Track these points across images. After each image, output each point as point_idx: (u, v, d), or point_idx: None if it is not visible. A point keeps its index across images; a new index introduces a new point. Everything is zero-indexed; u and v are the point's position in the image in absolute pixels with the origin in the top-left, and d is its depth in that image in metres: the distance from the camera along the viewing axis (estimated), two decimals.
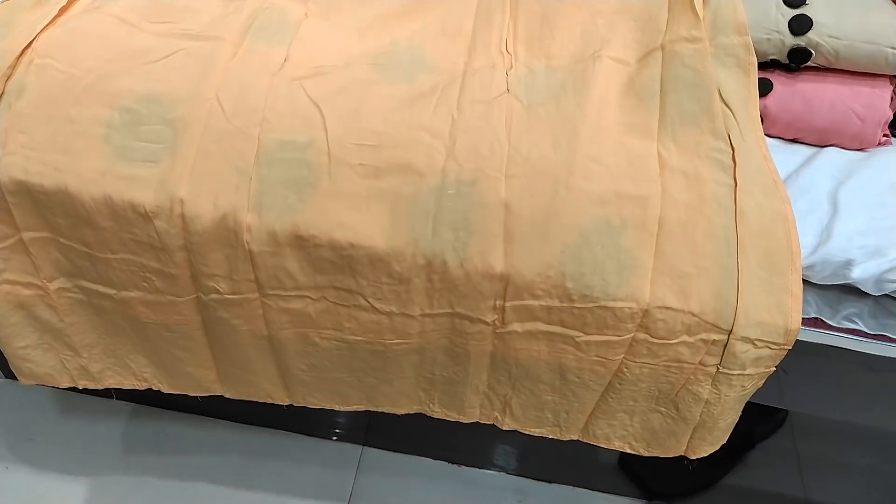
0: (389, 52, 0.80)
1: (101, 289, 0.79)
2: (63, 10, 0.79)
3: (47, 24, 0.76)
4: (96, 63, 0.75)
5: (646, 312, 0.69)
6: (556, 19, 0.83)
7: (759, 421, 1.34)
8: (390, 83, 0.76)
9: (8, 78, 0.73)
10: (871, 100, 0.80)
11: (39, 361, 0.86)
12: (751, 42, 0.77)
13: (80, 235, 0.74)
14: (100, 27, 0.78)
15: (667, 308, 0.69)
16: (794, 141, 0.84)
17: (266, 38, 0.79)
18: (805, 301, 0.75)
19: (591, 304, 0.69)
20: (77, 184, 0.70)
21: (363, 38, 0.82)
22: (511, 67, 0.79)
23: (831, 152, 0.82)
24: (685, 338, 0.70)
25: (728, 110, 0.75)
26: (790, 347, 0.70)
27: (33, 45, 0.75)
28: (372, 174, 0.70)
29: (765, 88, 0.81)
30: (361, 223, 0.69)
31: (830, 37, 0.79)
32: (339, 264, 0.70)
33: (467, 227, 0.68)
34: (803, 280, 0.71)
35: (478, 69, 0.78)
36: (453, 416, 0.87)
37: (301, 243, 0.70)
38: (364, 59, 0.79)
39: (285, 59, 0.78)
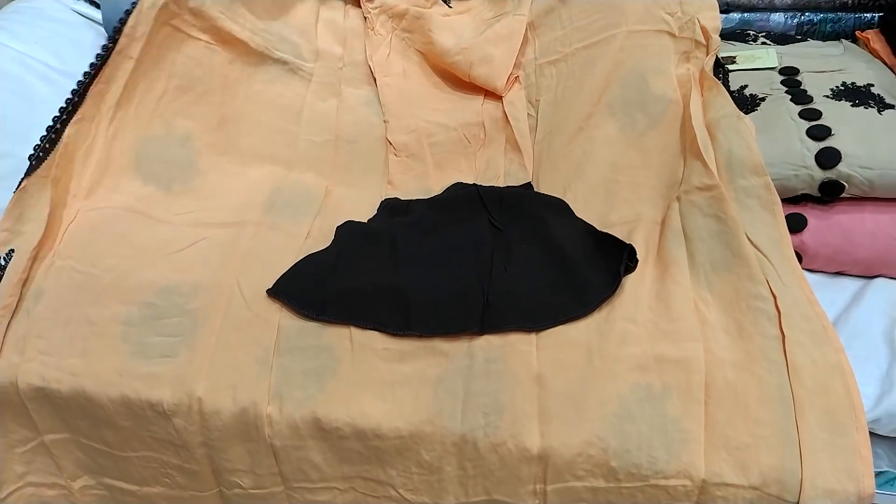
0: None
1: (125, 485, 0.73)
2: (80, 195, 0.77)
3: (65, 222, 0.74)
4: (117, 260, 0.72)
5: (702, 489, 0.60)
6: (575, 182, 0.79)
7: None
8: None
9: (24, 283, 0.70)
10: None
11: None
12: (770, 181, 0.71)
13: (100, 435, 0.69)
14: (121, 222, 0.76)
15: (725, 484, 0.60)
16: (838, 274, 0.76)
17: (291, 213, 0.77)
18: (875, 455, 0.66)
19: (640, 483, 0.61)
20: (95, 387, 0.66)
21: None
22: None
23: (880, 285, 0.74)
24: None
25: (761, 254, 0.67)
26: None
27: (55, 247, 0.72)
28: (396, 358, 0.64)
29: (799, 224, 0.74)
30: (386, 411, 0.62)
31: (862, 167, 0.72)
32: (365, 454, 0.64)
33: (498, 409, 0.61)
34: (870, 433, 0.62)
35: None
36: None
37: (324, 434, 0.64)
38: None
39: (307, 234, 0.76)
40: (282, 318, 0.68)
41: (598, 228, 0.74)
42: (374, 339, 0.66)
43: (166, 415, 0.65)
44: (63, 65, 1.04)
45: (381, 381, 0.64)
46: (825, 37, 1.02)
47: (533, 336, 0.64)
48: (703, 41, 0.83)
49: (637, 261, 0.69)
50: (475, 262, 0.71)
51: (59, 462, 0.72)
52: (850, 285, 0.75)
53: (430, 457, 0.63)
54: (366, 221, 0.79)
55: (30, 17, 1.10)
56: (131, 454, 0.69)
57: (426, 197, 0.83)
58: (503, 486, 0.63)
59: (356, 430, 0.63)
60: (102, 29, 1.08)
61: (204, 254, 0.73)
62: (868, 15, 1.02)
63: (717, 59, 0.83)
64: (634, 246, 0.69)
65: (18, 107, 0.96)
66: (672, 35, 0.84)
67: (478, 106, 0.91)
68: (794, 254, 0.69)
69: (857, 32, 0.98)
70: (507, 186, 0.83)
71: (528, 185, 0.83)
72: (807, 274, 0.73)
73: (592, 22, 0.87)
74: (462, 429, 0.61)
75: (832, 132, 0.74)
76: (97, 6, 1.12)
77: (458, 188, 0.83)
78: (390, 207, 0.81)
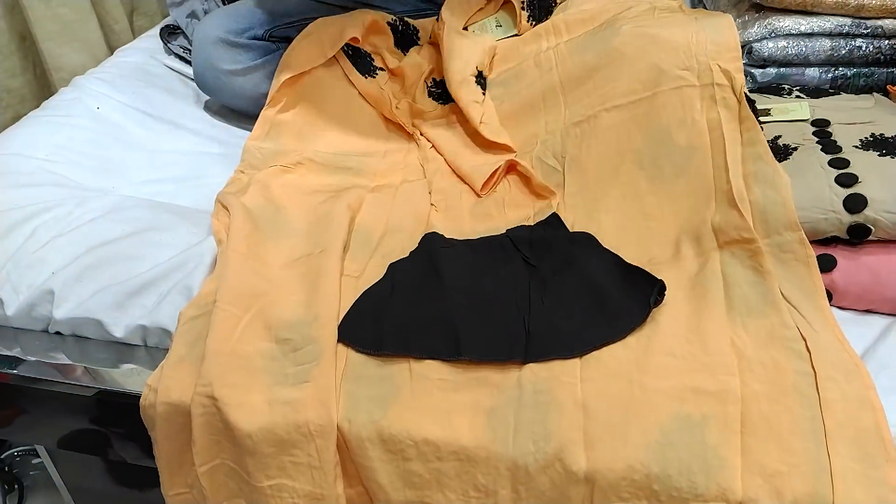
0: None
1: None
2: None
3: None
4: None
5: None
6: (608, 231, 0.82)
7: None
8: None
9: None
10: None
11: None
12: (804, 236, 0.74)
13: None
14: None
15: None
16: (868, 311, 0.78)
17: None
18: None
19: None
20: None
21: None
22: None
23: None
24: None
25: (793, 307, 0.70)
26: None
27: None
28: (451, 388, 0.68)
29: (828, 264, 0.76)
30: (443, 437, 0.66)
31: (887, 212, 0.74)
32: (426, 478, 0.67)
33: (546, 436, 0.65)
34: None
35: None
36: None
37: (391, 457, 0.67)
38: None
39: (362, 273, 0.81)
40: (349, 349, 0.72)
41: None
42: (430, 370, 0.69)
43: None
44: (157, 111, 1.14)
45: (438, 408, 0.67)
46: (858, 90, 1.04)
47: (577, 368, 0.68)
48: (727, 82, 0.84)
49: (664, 295, 0.72)
50: (514, 295, 0.75)
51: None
52: (878, 322, 0.76)
53: (486, 480, 0.66)
54: (408, 254, 0.83)
55: (127, 70, 1.20)
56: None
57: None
58: None
59: (419, 452, 0.67)
60: (192, 81, 1.17)
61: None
62: None
63: (755, 111, 0.85)
64: (665, 282, 0.73)
65: (118, 149, 1.05)
66: (692, 86, 0.86)
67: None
68: (827, 303, 0.71)
69: (888, 86, 1.00)
70: (537, 224, 0.86)
71: (555, 215, 0.86)
72: (837, 311, 0.76)
73: (614, 88, 0.90)
74: (514, 454, 0.65)
75: (859, 179, 0.76)
76: (188, 62, 1.22)
77: (491, 238, 0.86)
78: (432, 241, 0.84)
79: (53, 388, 0.84)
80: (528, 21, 1.12)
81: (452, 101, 1.05)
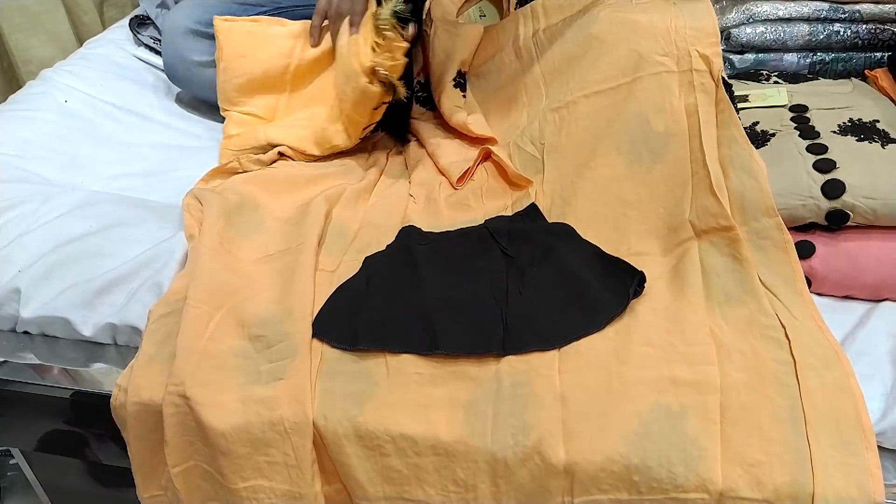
0: None
1: None
2: None
3: None
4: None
5: (719, 502, 0.62)
6: (587, 217, 0.81)
7: None
8: None
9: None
10: None
11: None
12: (782, 221, 0.73)
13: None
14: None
15: (741, 498, 0.61)
16: (847, 298, 0.78)
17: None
18: (883, 468, 0.67)
19: (661, 496, 0.62)
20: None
21: None
22: None
23: (886, 307, 0.75)
24: None
25: (771, 294, 0.70)
26: None
27: None
28: (428, 382, 0.67)
29: (807, 251, 0.76)
30: (421, 431, 0.65)
31: (865, 197, 0.74)
32: (405, 473, 0.66)
33: (525, 429, 0.64)
34: (878, 447, 0.63)
35: None
36: None
37: (368, 453, 0.66)
38: None
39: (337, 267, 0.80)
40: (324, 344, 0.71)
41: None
42: (407, 365, 0.68)
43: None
44: (127, 104, 1.11)
45: (416, 403, 0.66)
46: (837, 75, 1.04)
47: (555, 360, 0.67)
48: (705, 67, 0.84)
49: (644, 286, 0.72)
50: (492, 288, 0.74)
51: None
52: (857, 308, 0.76)
53: (465, 475, 0.65)
54: (385, 247, 0.82)
55: (96, 62, 1.17)
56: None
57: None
58: (534, 498, 0.65)
59: (397, 448, 0.66)
60: (162, 73, 1.14)
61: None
62: (878, 54, 1.04)
63: (731, 96, 0.85)
64: (645, 273, 0.72)
65: (87, 143, 1.02)
66: (671, 72, 0.85)
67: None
68: (806, 288, 0.71)
69: (866, 71, 1.00)
70: (515, 214, 0.85)
71: (533, 206, 0.85)
72: (816, 298, 0.75)
73: (593, 74, 0.89)
74: (493, 448, 0.64)
75: (837, 165, 0.76)
76: (158, 53, 1.19)
77: (469, 229, 0.85)
78: (409, 235, 0.83)
79: (26, 390, 0.82)
80: (515, 9, 1.11)
81: None
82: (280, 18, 1.04)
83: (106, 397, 0.72)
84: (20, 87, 1.14)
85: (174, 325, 0.72)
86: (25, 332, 0.83)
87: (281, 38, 1.03)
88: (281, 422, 0.66)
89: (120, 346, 0.80)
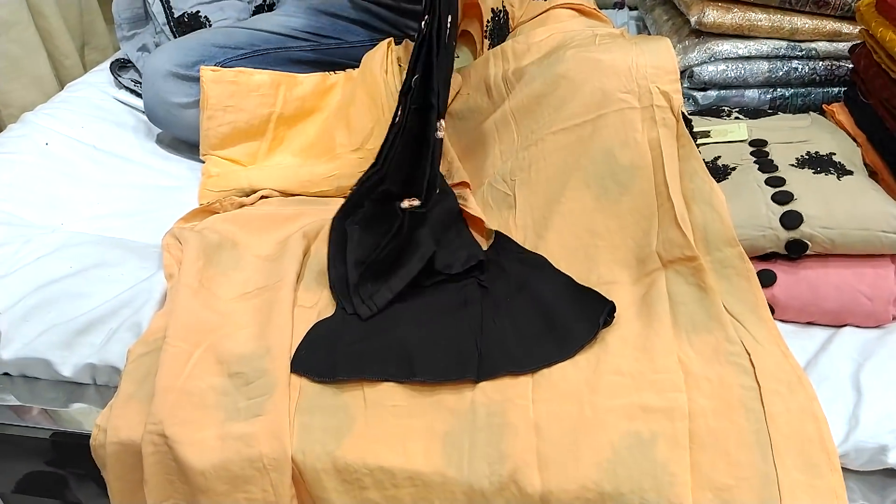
0: None
1: None
2: None
3: None
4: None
5: None
6: (558, 250, 0.84)
7: None
8: None
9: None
10: (874, 280, 0.77)
11: None
12: (743, 251, 0.76)
13: None
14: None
15: None
16: (809, 324, 0.80)
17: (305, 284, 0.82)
18: (848, 489, 0.69)
19: None
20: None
21: None
22: None
23: (847, 333, 0.77)
24: None
25: (736, 321, 0.72)
26: None
27: None
28: (405, 414, 0.68)
29: (768, 279, 0.78)
30: (399, 463, 0.66)
31: (823, 227, 0.77)
32: None
33: (501, 458, 0.65)
34: (843, 468, 0.65)
35: None
36: None
37: (347, 487, 0.67)
38: None
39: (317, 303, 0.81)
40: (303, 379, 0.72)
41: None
42: (384, 397, 0.69)
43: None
44: (107, 146, 1.12)
45: (393, 435, 0.67)
46: (797, 110, 1.08)
47: (528, 390, 0.68)
48: (666, 103, 0.86)
49: (614, 315, 0.74)
50: (468, 317, 0.76)
51: None
52: (819, 334, 0.79)
53: None
54: None
55: (77, 105, 1.19)
56: None
57: None
58: None
59: (375, 480, 0.66)
60: (143, 115, 1.16)
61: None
62: (835, 89, 1.08)
63: (692, 132, 0.88)
64: (615, 302, 0.74)
65: (67, 185, 1.03)
66: (633, 108, 0.87)
67: None
68: (769, 315, 0.73)
69: (823, 105, 1.04)
70: (490, 245, 0.87)
71: (507, 238, 0.87)
72: (780, 324, 0.77)
73: (560, 112, 0.91)
74: (469, 478, 0.65)
75: (795, 197, 0.79)
76: (139, 95, 1.21)
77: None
78: None
79: (6, 431, 0.82)
80: (489, 49, 1.14)
81: None
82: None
83: (86, 437, 0.72)
84: (1, 131, 1.16)
85: (153, 364, 0.73)
86: (5, 374, 0.83)
87: (265, 87, 1.07)
88: (259, 458, 0.67)
89: (100, 385, 0.81)
